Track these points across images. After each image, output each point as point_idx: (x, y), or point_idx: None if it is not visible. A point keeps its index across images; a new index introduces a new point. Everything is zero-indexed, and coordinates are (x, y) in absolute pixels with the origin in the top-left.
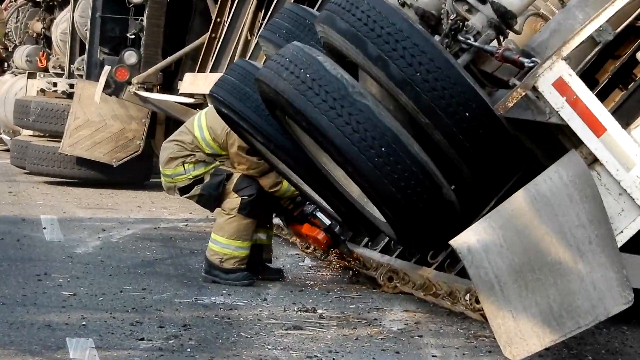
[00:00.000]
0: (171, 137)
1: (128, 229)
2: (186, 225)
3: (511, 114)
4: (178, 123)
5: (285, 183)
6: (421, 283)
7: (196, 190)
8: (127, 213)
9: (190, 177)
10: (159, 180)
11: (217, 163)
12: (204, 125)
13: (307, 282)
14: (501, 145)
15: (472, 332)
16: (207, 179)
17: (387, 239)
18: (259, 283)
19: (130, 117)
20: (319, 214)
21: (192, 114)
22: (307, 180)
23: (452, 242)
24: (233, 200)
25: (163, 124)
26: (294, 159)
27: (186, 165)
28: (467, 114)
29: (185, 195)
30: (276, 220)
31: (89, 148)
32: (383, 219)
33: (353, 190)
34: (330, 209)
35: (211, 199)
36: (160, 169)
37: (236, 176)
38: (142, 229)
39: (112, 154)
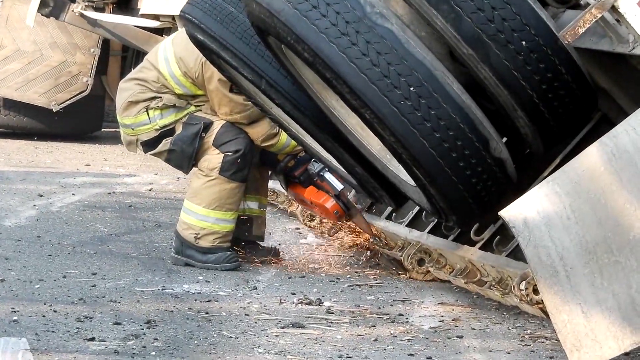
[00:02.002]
0: (130, 75)
1: (73, 194)
2: (150, 189)
3: (582, 43)
4: (139, 55)
5: (284, 135)
6: (461, 267)
7: (165, 144)
8: (72, 173)
9: (157, 127)
10: (113, 129)
11: (192, 108)
12: (171, 57)
13: (311, 266)
14: (568, 84)
15: (529, 332)
16: (178, 129)
17: (416, 209)
18: (246, 266)
19: (75, 46)
20: (328, 176)
21: (156, 42)
22: (310, 131)
23: (502, 213)
24: (213, 158)
25: (119, 55)
26: (292, 103)
27: (151, 112)
28: (524, 43)
29: (151, 152)
30: (271, 184)
31: (20, 87)
32: (412, 183)
33: (372, 144)
34: (342, 170)
35: (185, 156)
36: (118, 117)
37: (217, 125)
38: (92, 194)
39: (50, 95)
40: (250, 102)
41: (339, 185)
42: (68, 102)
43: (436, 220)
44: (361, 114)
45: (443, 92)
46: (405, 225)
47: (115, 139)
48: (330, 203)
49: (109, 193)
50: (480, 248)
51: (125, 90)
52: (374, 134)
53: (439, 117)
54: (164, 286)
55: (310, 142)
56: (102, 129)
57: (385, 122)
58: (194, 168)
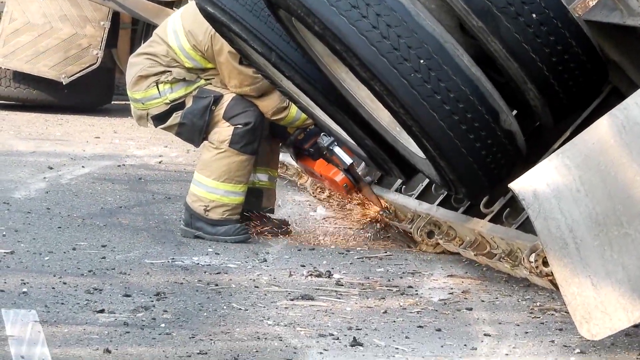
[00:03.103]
0: (140, 50)
1: (83, 166)
2: (160, 162)
3: (593, 16)
4: (149, 28)
5: (294, 108)
6: (471, 239)
7: (175, 118)
8: (82, 146)
9: (167, 101)
10: (123, 102)
11: (202, 82)
12: (180, 31)
13: (320, 239)
14: (579, 57)
15: (538, 304)
16: (188, 103)
17: (426, 181)
18: (256, 239)
19: (85, 18)
20: (337, 150)
21: (166, 15)
22: (320, 103)
23: (512, 185)
24: (223, 131)
25: (128, 28)
26: (302, 75)
27: (161, 86)
28: (535, 16)
29: (162, 126)
30: (280, 157)
31: (30, 60)
32: (421, 155)
33: (382, 117)
34: (352, 142)
35: (195, 129)
36: (128, 92)
37: (227, 98)
38: (102, 167)
39: (60, 68)
40: (259, 75)
41: (348, 159)
42: (78, 75)
43: (446, 192)
44: (371, 86)
45: (453, 64)
46: (415, 198)
47: (125, 111)
48: (339, 176)
49: (119, 165)
50: (490, 220)
51: (135, 65)
52: (384, 106)
53: (449, 90)
54: (173, 258)
55: (320, 114)
56: (112, 102)
57: (395, 95)
58: (205, 142)
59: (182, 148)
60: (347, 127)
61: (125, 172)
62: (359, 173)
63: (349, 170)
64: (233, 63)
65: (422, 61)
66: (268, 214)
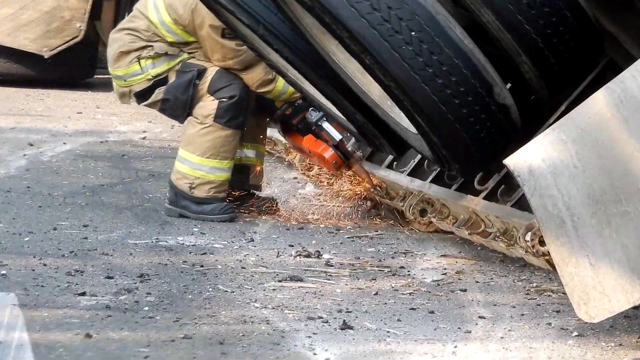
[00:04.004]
0: (120, 25)
1: (64, 143)
2: (144, 138)
3: None
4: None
5: (281, 81)
6: (465, 218)
7: (158, 94)
8: (64, 122)
9: (150, 77)
10: (106, 76)
11: (185, 55)
12: (160, 5)
13: (309, 217)
14: (574, 28)
15: (534, 285)
16: (172, 78)
17: (418, 157)
18: (243, 217)
19: None
20: (326, 125)
21: None
22: (309, 77)
23: (507, 161)
24: (208, 105)
25: (112, 0)
26: (290, 48)
27: (143, 62)
28: None
29: (145, 103)
30: (268, 133)
31: (11, 33)
32: (413, 130)
33: (372, 90)
34: (343, 117)
35: (179, 104)
36: (110, 69)
37: (211, 72)
38: (84, 143)
39: (42, 41)
40: (243, 47)
41: (337, 135)
42: (60, 49)
43: (439, 169)
44: (361, 60)
45: (445, 36)
46: (407, 175)
47: (108, 86)
48: (328, 153)
49: (102, 142)
50: (484, 198)
51: (116, 41)
52: (374, 80)
53: (441, 63)
54: (157, 238)
55: (309, 89)
56: (95, 76)
57: (386, 68)
58: (189, 117)
59: (166, 123)
60: (336, 102)
61: (108, 148)
62: (349, 149)
63: (338, 146)
64: (215, 37)
65: (413, 33)
66: (255, 192)
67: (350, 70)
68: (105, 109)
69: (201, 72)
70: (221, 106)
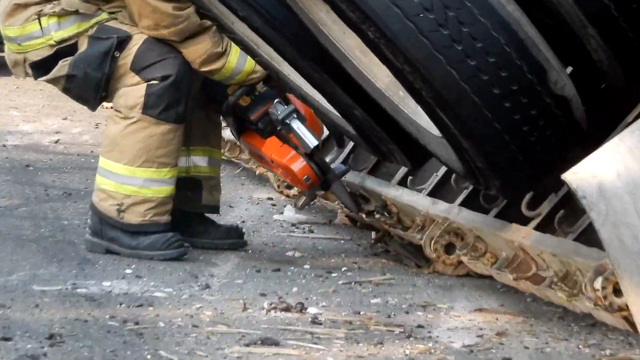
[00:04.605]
0: None
1: None
2: (57, 141)
3: None
4: None
5: (234, 55)
6: (509, 256)
7: (62, 67)
8: None
9: (52, 42)
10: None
11: (104, 16)
12: None
13: (289, 255)
14: None
15: (607, 352)
16: (82, 46)
17: (442, 171)
18: (195, 254)
19: None
20: (298, 124)
21: None
22: (289, 56)
23: (567, 176)
24: (133, 90)
25: None
26: (264, 16)
27: (44, 20)
28: None
29: (44, 78)
30: (227, 134)
31: None
32: (436, 132)
33: (378, 76)
34: (335, 113)
35: (90, 84)
36: (0, 27)
37: (137, 41)
38: None
39: None
40: (184, 13)
41: (312, 140)
42: None
43: (471, 187)
44: (362, 32)
45: (480, 1)
46: (427, 195)
47: (5, 66)
48: (298, 164)
49: None
50: (535, 228)
51: None
52: (381, 61)
53: (474, 37)
54: (74, 284)
55: (289, 72)
56: None
57: (397, 44)
58: (106, 104)
59: (88, 120)
60: (327, 91)
61: (7, 156)
62: (328, 160)
63: (312, 155)
64: None
65: None
66: (209, 215)
67: (348, 47)
68: (2, 100)
69: (123, 41)
70: (151, 91)
